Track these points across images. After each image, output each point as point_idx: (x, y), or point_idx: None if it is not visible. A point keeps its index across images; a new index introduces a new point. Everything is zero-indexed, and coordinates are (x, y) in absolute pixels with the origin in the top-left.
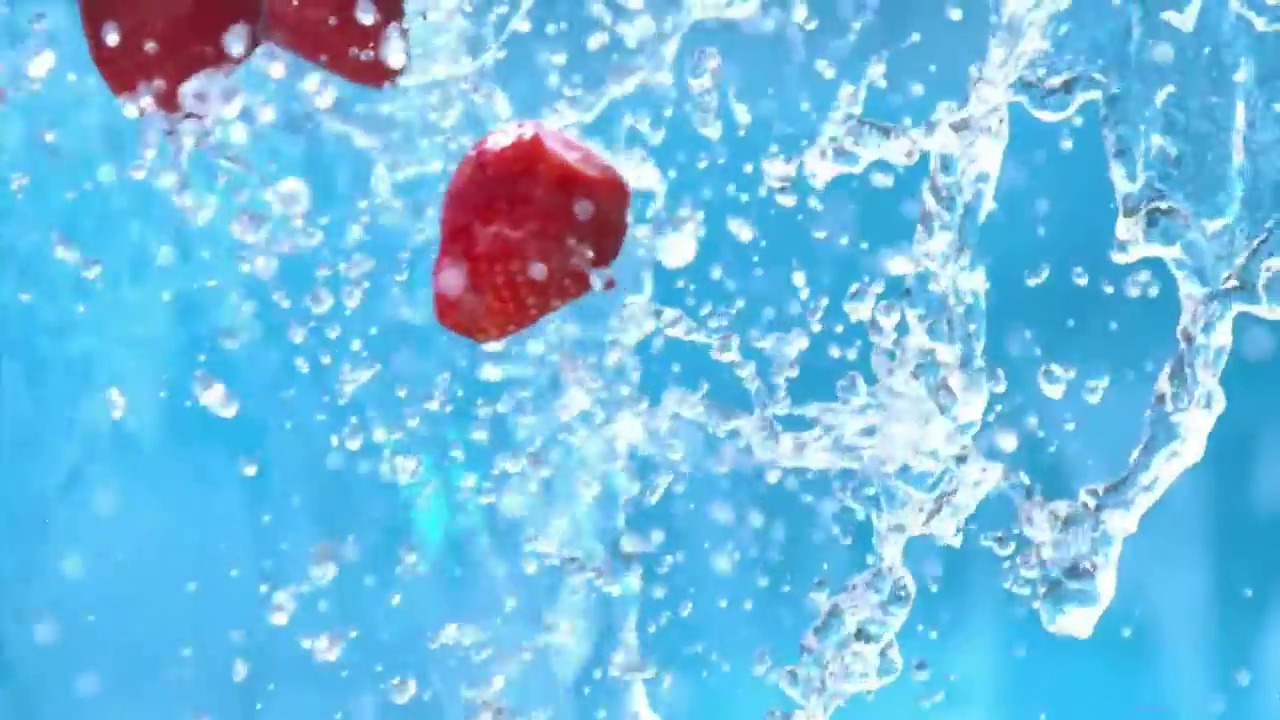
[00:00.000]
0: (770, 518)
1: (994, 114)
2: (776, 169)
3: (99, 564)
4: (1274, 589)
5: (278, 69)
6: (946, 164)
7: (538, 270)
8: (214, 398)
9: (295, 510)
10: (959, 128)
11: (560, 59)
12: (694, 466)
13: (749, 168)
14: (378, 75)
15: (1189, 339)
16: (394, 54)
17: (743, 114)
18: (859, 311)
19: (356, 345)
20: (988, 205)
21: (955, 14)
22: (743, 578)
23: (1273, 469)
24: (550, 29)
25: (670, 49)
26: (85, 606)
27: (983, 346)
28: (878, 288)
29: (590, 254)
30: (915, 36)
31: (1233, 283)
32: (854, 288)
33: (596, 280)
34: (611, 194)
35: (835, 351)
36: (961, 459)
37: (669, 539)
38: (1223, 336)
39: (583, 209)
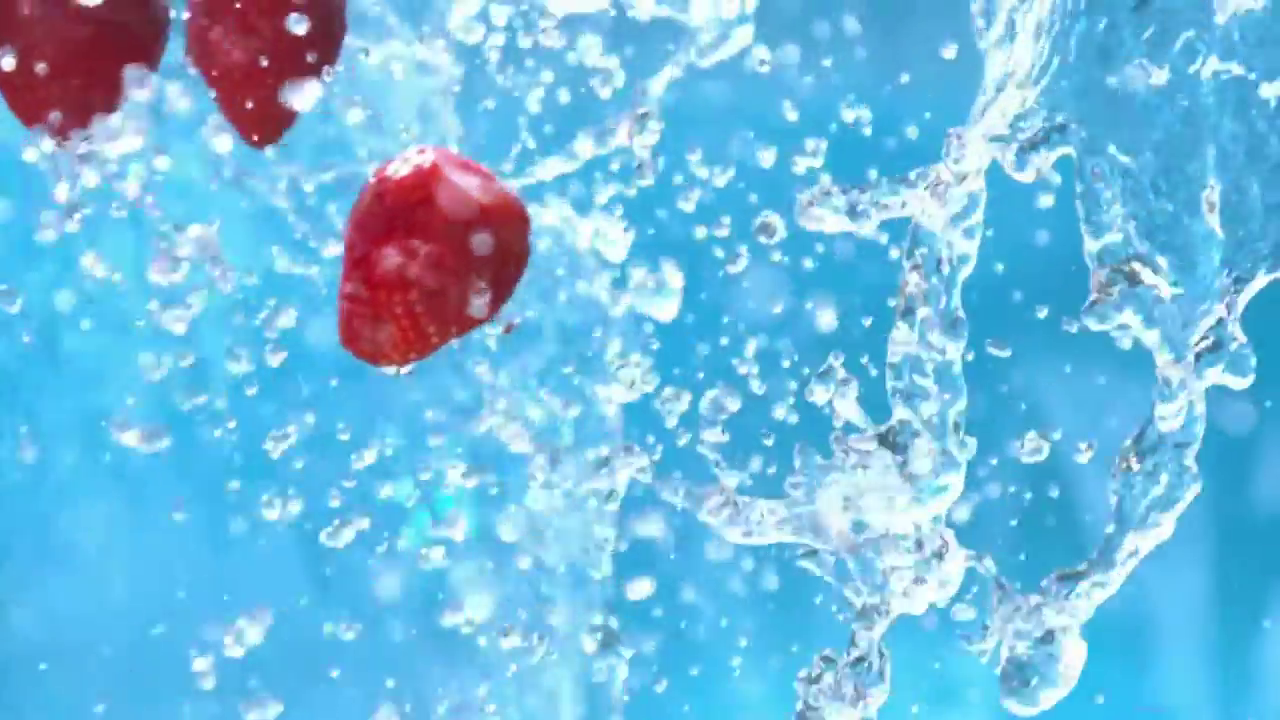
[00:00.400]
0: (757, 572)
1: (973, 176)
2: (771, 222)
3: (45, 613)
4: (1274, 589)
5: (184, 104)
6: (924, 230)
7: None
8: (134, 439)
9: (261, 553)
10: (935, 188)
11: (535, 115)
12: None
13: (727, 219)
14: (263, 133)
15: (1159, 410)
16: (302, 100)
17: (734, 156)
18: (821, 395)
19: (319, 378)
20: (968, 271)
21: (949, 53)
22: (728, 637)
23: (1273, 469)
24: (526, 85)
25: (650, 107)
26: (37, 654)
27: (960, 415)
28: (839, 360)
29: (485, 285)
30: (905, 77)
31: (1206, 344)
32: (823, 367)
33: (498, 324)
34: (511, 221)
35: (801, 420)
36: (930, 540)
37: (654, 596)
38: (1196, 407)
39: (481, 240)
